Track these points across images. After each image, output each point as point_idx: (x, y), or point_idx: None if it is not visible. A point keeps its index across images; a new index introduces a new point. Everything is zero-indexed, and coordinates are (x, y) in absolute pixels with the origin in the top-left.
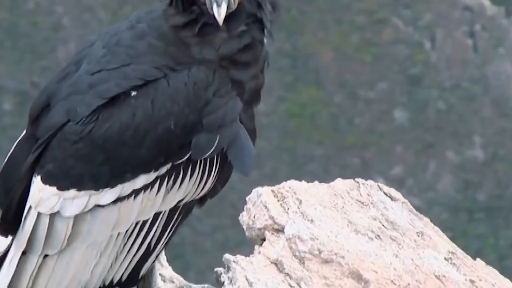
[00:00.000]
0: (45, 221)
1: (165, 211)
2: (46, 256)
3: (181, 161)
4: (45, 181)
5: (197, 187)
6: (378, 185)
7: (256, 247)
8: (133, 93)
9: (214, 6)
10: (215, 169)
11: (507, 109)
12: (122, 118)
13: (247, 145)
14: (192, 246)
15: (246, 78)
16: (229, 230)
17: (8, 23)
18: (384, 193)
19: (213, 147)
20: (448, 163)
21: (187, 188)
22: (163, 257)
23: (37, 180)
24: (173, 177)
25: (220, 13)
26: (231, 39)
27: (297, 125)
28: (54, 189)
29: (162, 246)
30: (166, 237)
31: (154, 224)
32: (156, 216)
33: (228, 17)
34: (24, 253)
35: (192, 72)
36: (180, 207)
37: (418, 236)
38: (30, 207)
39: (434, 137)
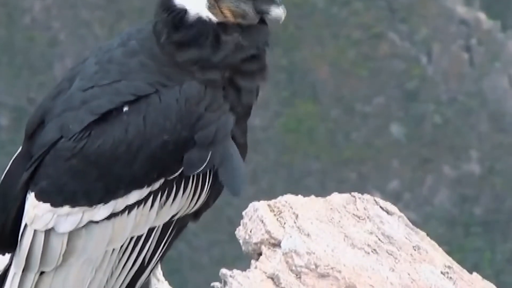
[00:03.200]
0: (40, 238)
1: (159, 226)
2: (42, 273)
3: (174, 176)
4: (39, 198)
5: (190, 202)
6: (375, 199)
7: (253, 261)
8: (125, 109)
9: (274, 7)
10: (208, 184)
11: (504, 123)
12: (114, 134)
13: (239, 165)
14: (189, 261)
15: (252, 87)
16: (225, 245)
17: (4, 38)
18: (381, 207)
19: (205, 163)
20: (445, 178)
21: (181, 203)
22: (159, 271)
23: (31, 197)
24: (166, 192)
25: (281, 14)
26: (239, 49)
27: (293, 140)
28: (48, 205)
29: (157, 260)
30: (161, 252)
31: (148, 239)
32: (150, 231)
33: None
34: (22, 271)
35: (184, 88)
36: (174, 222)
37: (415, 250)
38: (26, 225)
39: (430, 151)
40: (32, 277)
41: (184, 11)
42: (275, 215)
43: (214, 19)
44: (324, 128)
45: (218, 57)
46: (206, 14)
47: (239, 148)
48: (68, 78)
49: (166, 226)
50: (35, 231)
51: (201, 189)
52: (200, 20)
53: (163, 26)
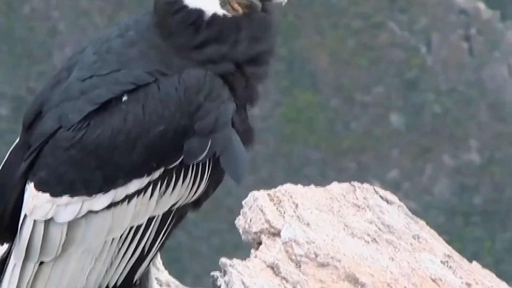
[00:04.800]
0: (40, 228)
1: (158, 216)
2: (42, 263)
3: (173, 165)
4: (38, 188)
5: (190, 191)
6: (374, 189)
7: (253, 251)
8: (124, 98)
9: None
10: (207, 173)
11: (503, 113)
12: (114, 124)
13: (240, 152)
14: (189, 250)
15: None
16: (225, 234)
17: (4, 28)
18: (380, 196)
19: (205, 152)
20: (444, 167)
21: (180, 192)
22: (159, 261)
23: (30, 187)
24: (165, 181)
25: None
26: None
27: (293, 130)
28: (47, 195)
29: (156, 250)
30: (160, 241)
31: (148, 229)
32: (150, 220)
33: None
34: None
35: (183, 77)
36: (174, 211)
37: (414, 239)
38: (25, 216)
39: (430, 141)
40: (31, 266)
41: (200, 12)
42: (274, 204)
43: (228, 15)
44: (324, 118)
45: (237, 51)
46: (221, 11)
47: (240, 135)
48: (66, 68)
49: (165, 215)
50: (34, 221)
51: (200, 178)
52: (218, 19)
53: (176, 28)
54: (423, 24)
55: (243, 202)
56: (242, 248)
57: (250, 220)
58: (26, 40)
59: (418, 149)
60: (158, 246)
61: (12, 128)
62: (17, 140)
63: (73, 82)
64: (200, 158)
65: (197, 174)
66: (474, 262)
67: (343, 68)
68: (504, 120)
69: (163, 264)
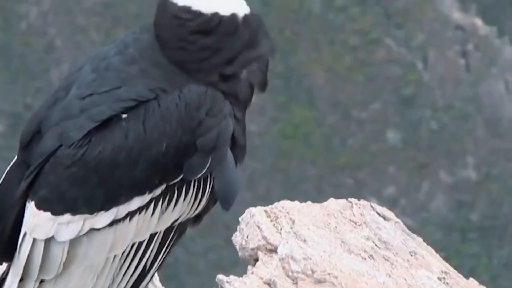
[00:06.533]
0: (40, 247)
1: (160, 232)
2: (42, 281)
3: (175, 181)
4: (39, 206)
5: (192, 206)
6: (371, 205)
7: (249, 267)
8: (125, 115)
9: None
10: (209, 187)
11: (500, 129)
12: (115, 141)
13: (235, 180)
14: (186, 267)
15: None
16: (222, 251)
17: (0, 44)
18: (377, 213)
19: (206, 167)
20: (441, 183)
21: (182, 208)
22: (156, 277)
23: (31, 206)
24: (167, 197)
25: None
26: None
27: (290, 146)
28: (48, 214)
29: (158, 266)
30: (162, 257)
31: (150, 245)
32: (152, 237)
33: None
34: (20, 279)
35: (184, 92)
36: (175, 227)
37: (411, 255)
38: (25, 234)
39: (427, 157)
40: (31, 285)
41: (215, 15)
42: (271, 220)
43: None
44: (321, 134)
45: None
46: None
47: (239, 150)
48: (63, 87)
49: (167, 231)
50: (34, 239)
51: (202, 193)
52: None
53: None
54: (420, 40)
55: (240, 219)
56: (239, 264)
57: (247, 237)
58: (23, 56)
59: (415, 165)
60: (160, 262)
61: (9, 144)
62: (15, 159)
63: (72, 100)
64: (201, 174)
65: (199, 189)
66: (471, 279)
67: (340, 84)
68: (501, 136)
69: (160, 280)
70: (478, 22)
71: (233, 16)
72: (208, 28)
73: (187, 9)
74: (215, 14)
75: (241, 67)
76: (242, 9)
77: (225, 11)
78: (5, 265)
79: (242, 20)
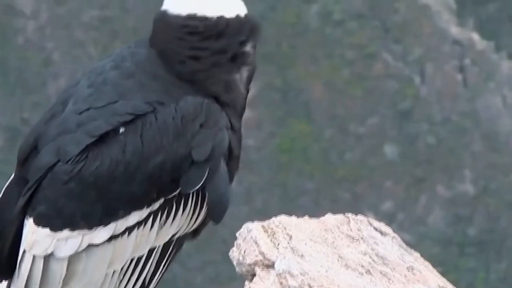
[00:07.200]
0: (39, 264)
1: (159, 246)
2: None
3: (173, 195)
4: (37, 222)
5: (190, 220)
6: (368, 220)
7: (247, 282)
8: (122, 129)
9: None
10: (206, 201)
11: (497, 143)
12: (113, 155)
13: (226, 193)
14: (183, 282)
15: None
16: (220, 266)
17: None
18: (374, 228)
19: (203, 180)
20: (439, 198)
21: (180, 222)
22: None
23: (29, 223)
24: (166, 212)
25: None
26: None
27: (288, 160)
28: (47, 230)
29: (157, 281)
30: (161, 272)
31: (148, 260)
32: (151, 251)
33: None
34: None
35: (180, 105)
36: (174, 241)
37: (409, 271)
38: (24, 251)
39: (424, 171)
40: None
41: (221, 18)
42: (268, 236)
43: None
44: (318, 148)
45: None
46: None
47: (235, 161)
48: (60, 102)
49: (166, 245)
50: (34, 256)
51: (200, 206)
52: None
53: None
54: (417, 55)
55: (237, 234)
56: (236, 279)
57: (244, 252)
58: (20, 70)
59: (412, 180)
60: (159, 277)
61: (7, 158)
62: (12, 175)
63: (69, 115)
64: (198, 186)
65: (197, 203)
66: None
67: (338, 98)
68: (498, 151)
69: None
70: (476, 37)
71: (238, 17)
72: (217, 32)
73: (192, 17)
74: (221, 18)
75: (242, 64)
76: (242, 10)
77: (229, 13)
78: (5, 283)
79: (244, 20)
